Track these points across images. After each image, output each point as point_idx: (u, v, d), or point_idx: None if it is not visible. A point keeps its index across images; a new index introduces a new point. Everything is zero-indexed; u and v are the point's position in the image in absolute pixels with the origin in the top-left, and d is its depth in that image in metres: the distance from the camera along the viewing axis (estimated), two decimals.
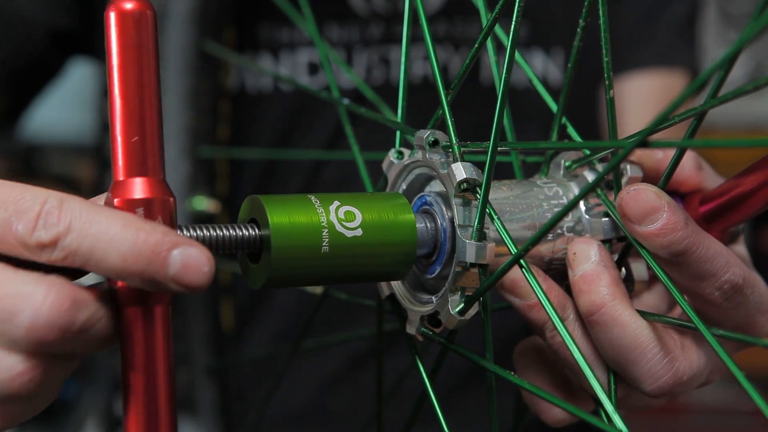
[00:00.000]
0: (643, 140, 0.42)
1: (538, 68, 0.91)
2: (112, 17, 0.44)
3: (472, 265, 0.49)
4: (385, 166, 0.55)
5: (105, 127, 0.90)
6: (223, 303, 0.88)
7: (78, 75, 1.19)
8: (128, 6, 0.44)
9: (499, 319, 0.57)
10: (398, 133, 0.56)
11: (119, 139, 0.45)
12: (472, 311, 0.50)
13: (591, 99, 0.93)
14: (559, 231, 0.53)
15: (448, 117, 0.51)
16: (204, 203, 0.86)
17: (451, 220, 0.51)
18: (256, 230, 0.48)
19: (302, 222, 0.48)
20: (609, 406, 0.47)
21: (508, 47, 0.49)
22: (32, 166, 2.02)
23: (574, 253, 0.52)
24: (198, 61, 0.85)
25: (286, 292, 0.91)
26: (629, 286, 0.54)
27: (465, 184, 0.50)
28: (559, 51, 0.92)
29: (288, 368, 0.87)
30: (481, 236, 0.49)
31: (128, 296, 0.45)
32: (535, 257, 0.53)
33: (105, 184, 0.89)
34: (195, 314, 0.85)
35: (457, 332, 0.52)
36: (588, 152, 0.54)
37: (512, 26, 0.49)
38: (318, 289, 0.70)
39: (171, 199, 0.46)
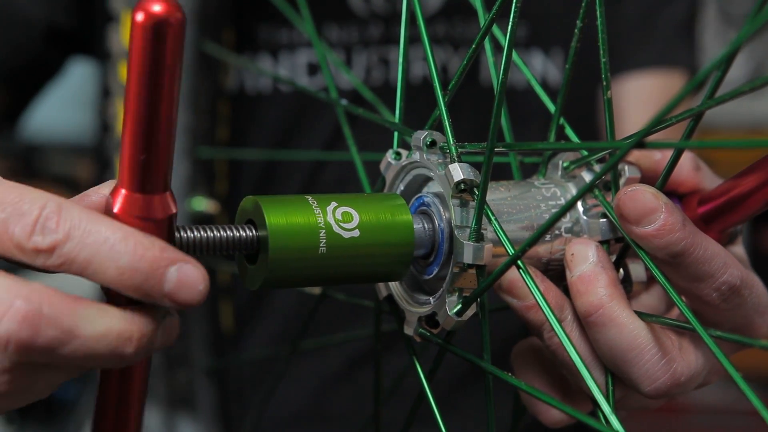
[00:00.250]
0: (640, 141, 0.42)
1: (538, 69, 0.91)
2: (137, 19, 0.41)
3: (470, 266, 0.49)
4: (382, 166, 0.55)
5: (105, 127, 0.90)
6: (223, 303, 0.88)
7: (78, 75, 1.19)
8: (156, 8, 0.41)
9: (496, 319, 0.57)
10: (396, 134, 0.56)
11: (127, 152, 0.43)
12: (470, 312, 0.50)
13: (589, 99, 0.93)
14: (556, 232, 0.53)
15: (445, 118, 0.51)
16: (203, 204, 0.86)
17: (449, 221, 0.51)
18: (254, 231, 0.48)
19: (299, 223, 0.48)
20: (606, 408, 0.47)
21: (505, 48, 0.49)
22: (32, 166, 2.02)
23: (572, 254, 0.52)
24: (197, 61, 0.85)
25: (285, 293, 0.91)
26: (627, 287, 0.54)
27: (462, 185, 0.50)
28: (558, 51, 0.92)
29: (287, 368, 0.88)
30: (479, 237, 0.49)
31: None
32: (532, 258, 0.53)
33: None
34: (194, 315, 0.85)
35: (455, 332, 0.52)
36: (586, 153, 0.54)
37: (509, 27, 0.49)
38: (316, 290, 0.70)
39: (173, 212, 0.45)
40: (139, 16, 0.41)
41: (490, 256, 0.49)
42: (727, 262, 0.51)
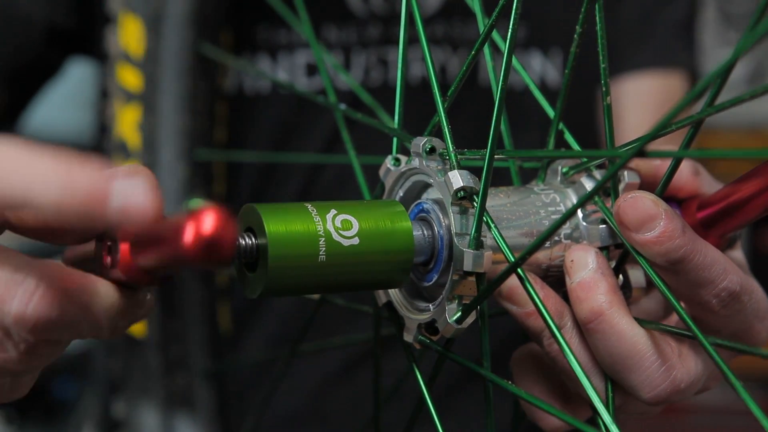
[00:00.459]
0: (640, 150, 0.42)
1: (536, 69, 0.91)
2: (187, 239, 0.39)
3: (469, 273, 0.49)
4: (382, 172, 0.55)
5: (103, 128, 0.90)
6: (220, 306, 0.88)
7: (78, 75, 1.19)
8: (207, 228, 0.38)
9: (494, 320, 0.57)
10: (395, 139, 0.56)
11: None
12: (470, 320, 0.50)
13: (589, 101, 0.93)
14: (556, 238, 0.53)
15: (444, 124, 0.51)
16: (201, 206, 0.86)
17: (448, 228, 0.51)
18: (253, 239, 0.48)
19: (299, 231, 0.48)
20: (606, 416, 0.47)
21: (505, 53, 0.49)
22: None
23: (572, 261, 0.52)
24: (195, 63, 0.85)
25: None
26: (627, 292, 0.54)
27: (462, 193, 0.49)
28: (557, 52, 0.91)
29: (285, 370, 0.87)
30: (479, 245, 0.49)
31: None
32: (532, 264, 0.53)
33: None
34: (192, 317, 0.85)
35: (455, 339, 0.52)
36: (585, 159, 0.54)
37: (509, 33, 0.49)
38: (315, 295, 0.70)
39: None
40: (189, 235, 0.39)
41: (489, 263, 0.49)
42: (726, 268, 0.51)
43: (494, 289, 0.49)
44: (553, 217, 0.53)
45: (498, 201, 0.53)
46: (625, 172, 0.54)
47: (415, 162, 0.53)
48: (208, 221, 0.39)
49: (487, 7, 0.57)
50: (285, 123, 0.90)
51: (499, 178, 0.54)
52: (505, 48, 0.50)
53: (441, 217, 0.51)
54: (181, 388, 0.85)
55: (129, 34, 0.86)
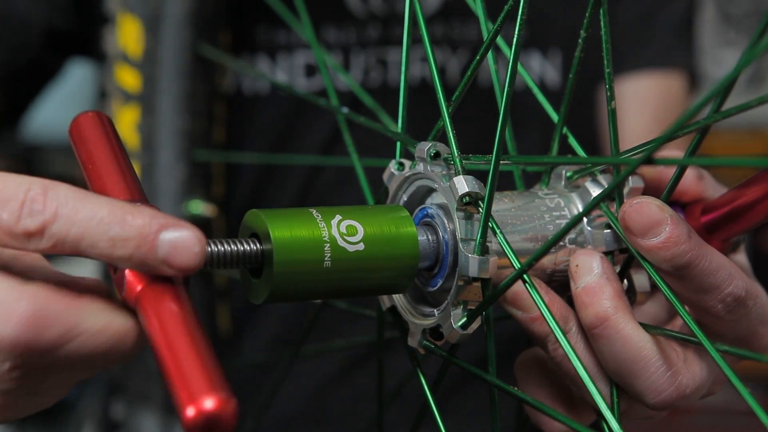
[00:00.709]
0: (648, 158, 0.42)
1: (536, 70, 0.91)
2: (188, 415, 0.39)
3: (475, 279, 0.49)
4: (385, 177, 0.55)
5: None
6: (220, 306, 0.88)
7: (77, 75, 1.18)
8: (208, 405, 0.39)
9: (497, 323, 0.56)
10: (398, 144, 0.55)
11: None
12: (475, 325, 0.50)
13: (589, 99, 0.93)
14: (561, 243, 0.53)
15: (449, 129, 0.51)
16: (200, 207, 0.85)
17: (453, 233, 0.50)
18: (258, 245, 0.48)
19: (304, 236, 0.48)
20: (612, 421, 0.47)
21: (510, 62, 0.49)
22: (32, 166, 2.02)
23: (577, 265, 0.52)
24: (193, 63, 0.84)
25: None
26: (631, 297, 0.54)
27: (467, 198, 0.49)
28: (556, 52, 0.91)
29: (286, 372, 0.87)
30: (484, 250, 0.49)
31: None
32: (537, 269, 0.53)
33: None
34: None
35: (459, 344, 0.52)
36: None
37: (514, 41, 0.48)
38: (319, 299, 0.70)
39: None
40: (190, 412, 0.39)
41: (495, 269, 0.49)
42: (732, 273, 0.50)
43: (500, 295, 0.49)
44: (558, 221, 0.53)
45: (502, 205, 0.53)
46: (630, 176, 0.54)
47: (420, 167, 0.52)
48: (209, 403, 0.39)
49: (488, 8, 0.57)
50: (284, 123, 0.90)
51: (502, 180, 0.54)
52: (510, 54, 0.50)
53: (446, 222, 0.51)
54: None
55: (127, 34, 0.86)
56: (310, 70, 0.89)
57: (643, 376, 0.50)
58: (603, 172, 0.54)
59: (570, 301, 0.52)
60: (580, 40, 0.53)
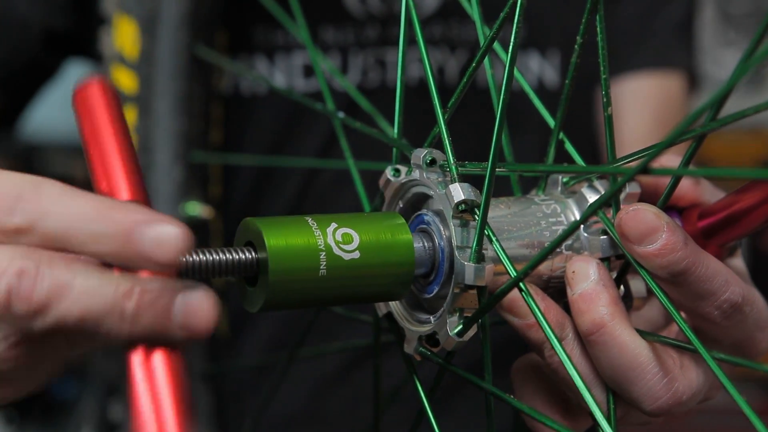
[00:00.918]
0: (645, 167, 0.42)
1: (534, 70, 0.91)
2: None
3: (470, 286, 0.49)
4: (381, 183, 0.55)
5: None
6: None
7: (77, 75, 1.18)
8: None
9: (493, 329, 0.56)
10: (395, 150, 0.55)
11: None
12: (471, 332, 0.50)
13: (587, 101, 0.93)
14: (557, 249, 0.53)
15: (445, 137, 0.51)
16: (197, 208, 0.85)
17: (449, 240, 0.50)
18: (253, 254, 0.48)
19: (299, 245, 0.48)
20: (607, 428, 0.47)
21: (506, 67, 0.49)
22: (32, 166, 2.02)
23: (573, 272, 0.51)
24: (190, 64, 0.84)
25: None
26: (627, 302, 0.54)
27: (463, 206, 0.49)
28: (555, 52, 0.91)
29: (284, 373, 0.87)
30: (480, 258, 0.49)
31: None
32: (533, 275, 0.53)
33: None
34: None
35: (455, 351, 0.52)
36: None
37: (510, 48, 0.48)
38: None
39: None
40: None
41: (491, 276, 0.49)
42: (728, 279, 0.50)
43: (496, 303, 0.49)
44: (554, 228, 0.53)
45: (498, 212, 0.53)
46: (626, 182, 0.54)
47: (416, 173, 0.52)
48: None
49: (485, 11, 0.57)
50: (282, 124, 0.90)
51: (498, 184, 0.54)
52: (506, 59, 0.49)
53: (441, 229, 0.51)
54: None
55: (124, 35, 0.85)
56: (309, 71, 0.89)
57: (639, 382, 0.50)
58: (600, 177, 0.54)
59: (566, 307, 0.52)
60: (576, 46, 0.52)
